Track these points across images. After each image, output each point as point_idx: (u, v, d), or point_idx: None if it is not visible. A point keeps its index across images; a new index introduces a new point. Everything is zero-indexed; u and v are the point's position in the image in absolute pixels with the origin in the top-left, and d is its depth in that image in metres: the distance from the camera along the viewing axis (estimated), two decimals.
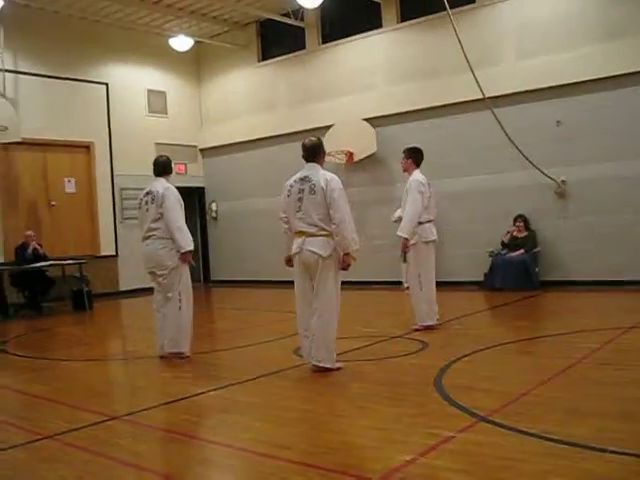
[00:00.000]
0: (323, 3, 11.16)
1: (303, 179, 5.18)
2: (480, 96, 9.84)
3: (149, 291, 6.52)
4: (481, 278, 10.43)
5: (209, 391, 4.79)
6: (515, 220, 10.31)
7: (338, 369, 5.16)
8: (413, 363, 5.42)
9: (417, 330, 6.76)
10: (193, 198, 14.60)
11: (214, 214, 14.85)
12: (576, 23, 9.86)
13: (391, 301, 10.29)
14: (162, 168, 6.28)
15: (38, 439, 3.83)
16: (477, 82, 9.58)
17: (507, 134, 10.04)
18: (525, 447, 3.23)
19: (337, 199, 5.01)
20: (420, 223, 6.71)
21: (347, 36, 12.47)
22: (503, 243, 10.39)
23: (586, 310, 8.11)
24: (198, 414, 4.40)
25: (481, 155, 10.73)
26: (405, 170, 7.04)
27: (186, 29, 13.35)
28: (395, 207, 9.85)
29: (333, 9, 12.38)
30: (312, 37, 13.03)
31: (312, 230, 5.09)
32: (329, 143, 9.90)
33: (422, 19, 11.46)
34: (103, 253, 12.92)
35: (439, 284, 7.12)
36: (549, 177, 10.01)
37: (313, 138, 5.44)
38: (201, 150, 14.90)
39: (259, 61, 13.95)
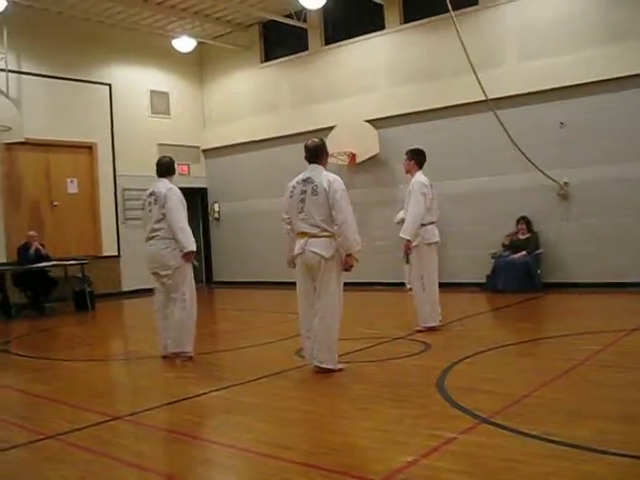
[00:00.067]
0: (326, 4, 11.17)
1: (306, 180, 5.19)
2: (483, 98, 9.82)
3: (151, 292, 6.53)
4: (483, 280, 10.43)
5: (211, 392, 4.79)
6: (518, 222, 10.31)
7: (340, 370, 5.16)
8: (415, 364, 5.42)
9: (419, 331, 6.77)
10: (195, 199, 14.58)
11: (216, 215, 14.85)
12: (578, 25, 9.87)
13: (393, 302, 10.30)
14: (165, 169, 6.29)
15: (40, 439, 3.84)
16: (480, 84, 9.57)
17: (510, 136, 10.03)
18: (527, 449, 3.24)
19: (339, 200, 5.01)
20: (423, 225, 6.72)
21: (350, 37, 12.47)
22: (504, 245, 10.40)
23: (588, 312, 8.11)
24: (200, 414, 4.41)
25: (483, 157, 10.74)
26: (407, 172, 7.05)
27: (189, 30, 13.36)
28: (398, 209, 9.83)
29: (336, 10, 12.38)
30: (315, 38, 13.04)
31: (314, 231, 5.09)
32: (332, 144, 9.88)
33: (425, 21, 11.47)
34: (105, 253, 12.93)
35: (441, 285, 7.13)
36: (552, 179, 10.01)
37: (316, 139, 5.44)
38: (204, 151, 14.91)
39: (262, 62, 13.95)
